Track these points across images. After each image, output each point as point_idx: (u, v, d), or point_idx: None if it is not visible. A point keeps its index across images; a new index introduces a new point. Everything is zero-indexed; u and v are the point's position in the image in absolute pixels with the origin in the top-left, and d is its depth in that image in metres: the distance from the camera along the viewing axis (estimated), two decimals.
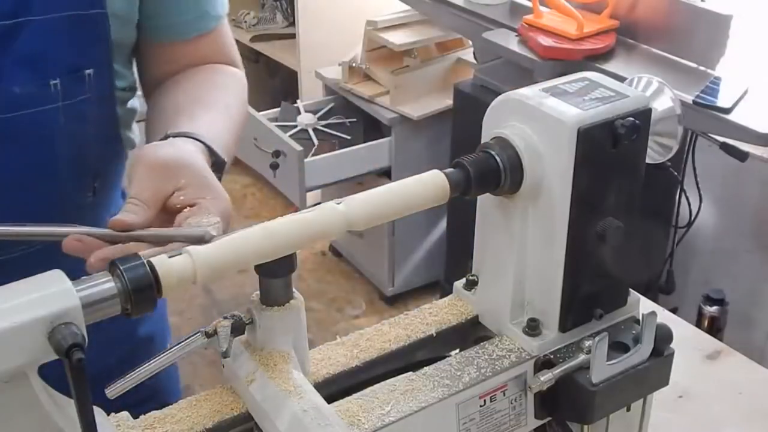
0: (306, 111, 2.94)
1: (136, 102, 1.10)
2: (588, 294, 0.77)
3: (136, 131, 1.12)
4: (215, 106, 1.01)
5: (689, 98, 1.89)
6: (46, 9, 0.90)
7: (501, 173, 0.73)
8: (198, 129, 0.91)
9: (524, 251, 0.77)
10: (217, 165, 0.89)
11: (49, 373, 0.60)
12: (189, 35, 1.07)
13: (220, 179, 0.86)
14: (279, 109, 2.95)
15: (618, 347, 0.76)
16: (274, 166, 2.67)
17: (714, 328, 2.11)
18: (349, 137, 2.85)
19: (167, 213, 0.79)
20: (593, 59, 2.14)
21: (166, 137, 0.88)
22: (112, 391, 0.67)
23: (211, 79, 1.07)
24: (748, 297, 2.32)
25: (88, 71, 0.95)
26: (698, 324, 2.11)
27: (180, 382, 1.28)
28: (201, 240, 0.68)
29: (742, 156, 1.98)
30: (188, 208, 0.78)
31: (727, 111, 1.87)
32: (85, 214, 0.92)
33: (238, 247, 0.65)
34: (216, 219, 0.77)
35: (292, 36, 3.39)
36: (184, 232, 0.73)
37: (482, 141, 0.76)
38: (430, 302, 0.86)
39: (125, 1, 0.98)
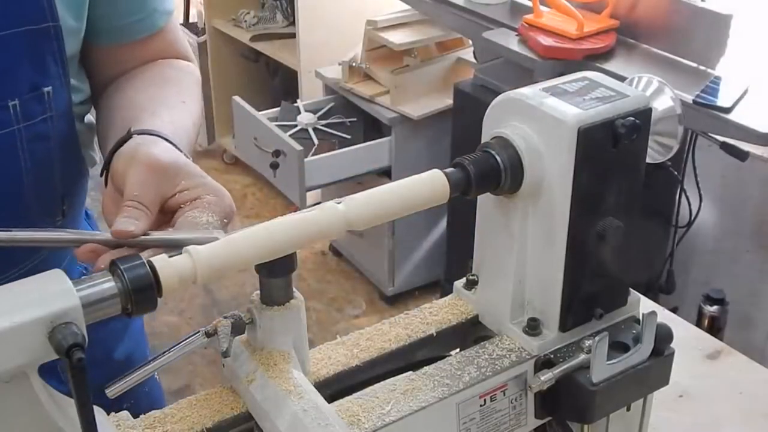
0: (306, 110, 2.94)
1: (92, 118, 1.07)
2: (588, 294, 0.77)
3: (97, 149, 1.07)
4: (173, 102, 0.98)
5: (689, 98, 1.89)
6: (1, 26, 0.86)
7: (501, 173, 0.73)
8: (162, 127, 0.88)
9: (524, 251, 0.77)
10: None
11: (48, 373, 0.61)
12: (138, 35, 1.04)
13: None
14: (279, 108, 2.95)
15: (618, 347, 0.76)
16: (274, 166, 2.67)
17: (714, 328, 2.11)
18: (349, 137, 2.85)
19: (164, 213, 0.78)
20: (593, 59, 2.14)
21: (129, 135, 0.85)
22: (112, 390, 0.67)
23: (164, 74, 1.04)
24: (748, 297, 2.32)
25: (46, 89, 0.91)
26: (698, 324, 2.11)
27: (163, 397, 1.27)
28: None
29: (742, 155, 1.98)
30: (189, 203, 0.78)
31: (727, 110, 1.88)
32: None
33: (238, 247, 0.65)
34: (214, 217, 0.76)
35: (292, 35, 3.39)
36: (193, 238, 0.72)
37: (482, 141, 0.76)
38: (431, 302, 0.86)
39: (75, 11, 0.94)
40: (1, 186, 0.91)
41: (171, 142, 0.86)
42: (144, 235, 0.73)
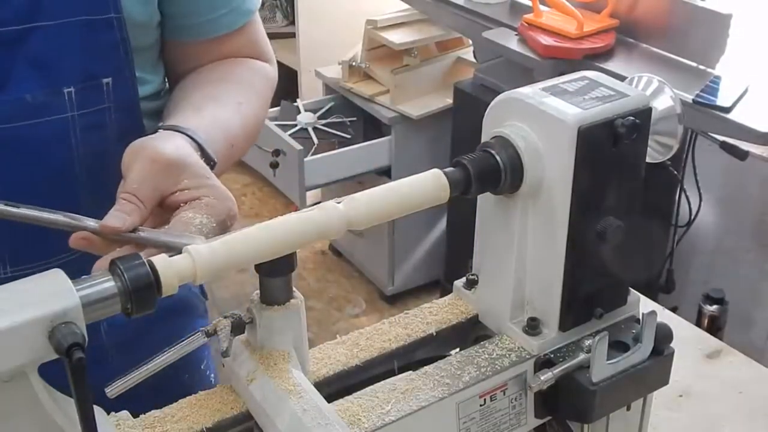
0: (306, 110, 2.94)
1: None
2: (588, 293, 0.77)
3: None
4: (225, 101, 0.98)
5: (689, 97, 1.89)
6: (58, 14, 0.87)
7: (501, 172, 0.73)
8: (198, 124, 0.88)
9: (524, 250, 0.77)
10: (207, 162, 0.86)
11: (48, 372, 0.60)
12: (216, 33, 1.04)
13: None
14: (279, 108, 2.95)
15: (618, 346, 0.76)
16: (274, 165, 2.67)
17: (714, 328, 2.11)
18: (348, 136, 2.86)
19: (165, 209, 0.78)
20: (593, 58, 2.14)
21: (156, 128, 0.86)
22: (112, 390, 0.67)
23: (230, 72, 1.04)
24: (748, 296, 2.32)
25: (105, 80, 0.92)
26: (698, 323, 2.11)
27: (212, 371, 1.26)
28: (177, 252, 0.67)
29: (742, 155, 1.98)
30: (188, 202, 0.78)
31: (727, 110, 1.88)
32: None
33: (238, 246, 0.65)
34: (210, 219, 0.76)
35: (292, 35, 3.39)
36: (165, 240, 0.72)
37: (482, 140, 0.76)
38: (430, 301, 0.86)
39: (142, 4, 0.95)
40: (52, 173, 0.92)
41: (195, 140, 0.86)
42: (133, 230, 0.74)
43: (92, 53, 0.91)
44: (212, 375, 1.22)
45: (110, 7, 0.90)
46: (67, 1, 0.88)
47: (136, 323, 1.03)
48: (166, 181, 0.78)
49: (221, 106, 0.97)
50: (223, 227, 0.78)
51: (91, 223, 0.74)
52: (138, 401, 0.72)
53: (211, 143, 0.88)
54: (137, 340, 1.05)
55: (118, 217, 0.74)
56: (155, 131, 0.86)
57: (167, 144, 0.82)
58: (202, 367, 1.18)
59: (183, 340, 0.70)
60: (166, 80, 1.08)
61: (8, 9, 0.86)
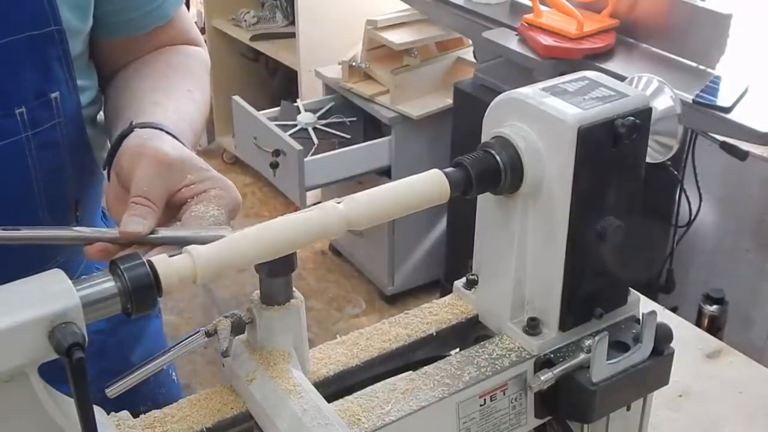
0: (306, 110, 2.94)
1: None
2: (588, 293, 0.77)
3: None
4: (178, 91, 0.97)
5: (689, 97, 1.89)
6: (2, 33, 0.85)
7: (501, 172, 0.73)
8: (165, 118, 0.88)
9: (524, 250, 0.77)
10: None
11: (48, 372, 0.60)
12: (150, 27, 1.03)
13: None
14: (279, 108, 2.95)
15: (618, 346, 0.76)
16: (274, 166, 2.67)
17: (714, 327, 2.11)
18: (348, 136, 2.85)
19: (170, 208, 0.78)
20: (593, 58, 2.14)
21: (131, 128, 0.85)
22: (112, 390, 0.67)
23: (171, 62, 1.04)
24: (748, 296, 2.32)
25: (53, 95, 0.90)
26: (698, 323, 2.11)
27: (180, 390, 1.26)
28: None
29: (742, 155, 1.98)
30: (195, 197, 0.78)
31: (727, 110, 1.88)
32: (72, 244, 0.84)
33: (238, 246, 0.65)
34: (221, 211, 0.76)
35: (292, 35, 3.39)
36: (200, 236, 0.71)
37: (482, 140, 0.76)
38: (430, 301, 0.86)
39: (80, 12, 0.93)
40: (11, 196, 0.91)
41: (173, 135, 0.85)
42: (152, 232, 0.73)
43: (39, 69, 0.89)
44: (174, 374, 1.23)
45: (50, 20, 0.88)
46: (10, 19, 0.86)
47: (99, 330, 1.02)
48: (172, 180, 0.78)
49: (176, 98, 0.96)
50: (231, 217, 0.78)
51: (107, 234, 0.73)
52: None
53: (182, 135, 0.87)
54: (104, 346, 1.05)
55: (136, 222, 0.73)
56: (130, 130, 0.85)
57: (163, 143, 0.81)
58: (164, 366, 1.19)
59: (183, 340, 0.70)
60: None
61: None
